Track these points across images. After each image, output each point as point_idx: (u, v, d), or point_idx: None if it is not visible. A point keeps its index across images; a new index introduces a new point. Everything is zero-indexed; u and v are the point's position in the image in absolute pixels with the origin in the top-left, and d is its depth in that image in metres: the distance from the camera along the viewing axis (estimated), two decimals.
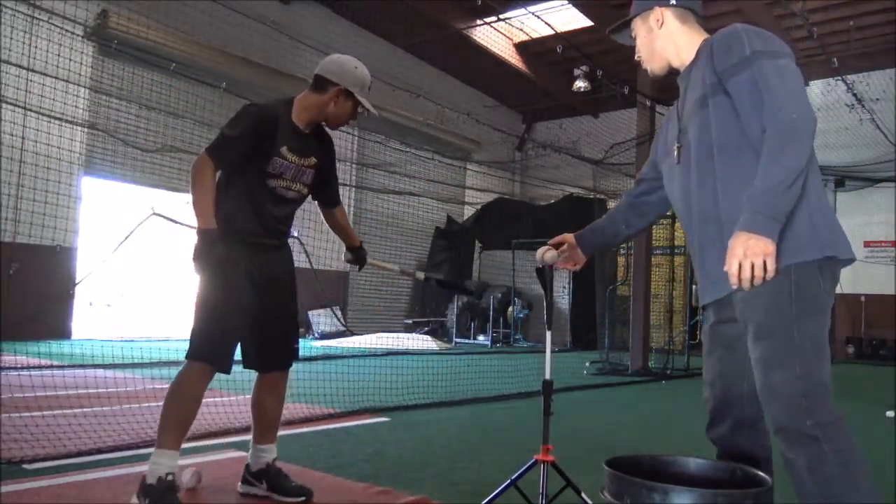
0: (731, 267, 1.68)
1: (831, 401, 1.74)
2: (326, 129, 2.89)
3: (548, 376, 2.56)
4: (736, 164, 1.84)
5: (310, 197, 2.89)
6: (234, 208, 2.66)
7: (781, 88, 1.74)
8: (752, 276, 1.67)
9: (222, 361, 2.56)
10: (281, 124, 2.66)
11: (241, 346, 2.71)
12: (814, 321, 1.76)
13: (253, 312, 2.64)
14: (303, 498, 2.73)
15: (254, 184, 2.67)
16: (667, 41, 2.09)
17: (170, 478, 2.44)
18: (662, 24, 2.08)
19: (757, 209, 1.68)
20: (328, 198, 2.98)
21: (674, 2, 2.06)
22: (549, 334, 2.65)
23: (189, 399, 2.54)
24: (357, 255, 3.07)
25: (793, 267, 1.76)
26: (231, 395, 4.72)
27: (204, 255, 2.49)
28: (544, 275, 2.57)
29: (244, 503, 2.73)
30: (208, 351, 2.54)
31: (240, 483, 2.85)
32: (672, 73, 2.15)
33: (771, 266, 1.66)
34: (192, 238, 2.53)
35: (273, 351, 2.77)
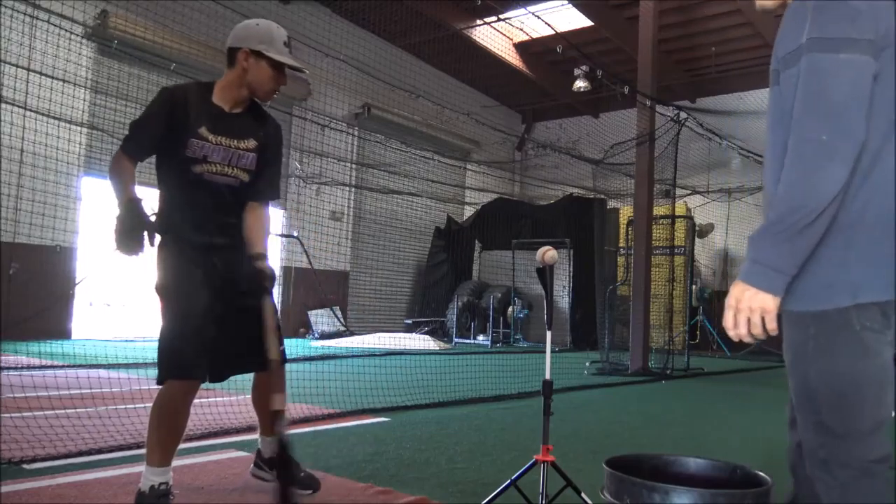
0: (726, 320, 1.49)
1: (861, 447, 1.48)
2: (271, 112, 2.75)
3: (548, 376, 2.56)
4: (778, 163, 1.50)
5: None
6: (168, 205, 2.57)
7: (813, 96, 1.38)
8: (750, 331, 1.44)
9: (190, 371, 2.44)
10: (194, 104, 2.50)
11: (210, 356, 2.53)
12: (839, 374, 1.47)
13: (215, 315, 2.50)
14: (310, 491, 2.75)
15: (179, 173, 2.53)
16: None
17: (162, 487, 2.43)
18: None
19: (757, 258, 1.44)
20: (254, 189, 2.65)
21: None
22: (549, 334, 2.65)
23: (170, 420, 2.47)
24: (251, 267, 2.55)
25: (808, 317, 1.48)
26: (231, 395, 4.72)
27: (129, 231, 2.32)
28: (545, 275, 2.57)
29: (244, 503, 2.73)
30: (174, 366, 2.45)
31: (252, 466, 2.88)
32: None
33: (770, 325, 1.44)
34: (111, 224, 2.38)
35: (239, 357, 2.61)
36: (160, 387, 2.51)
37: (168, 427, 2.47)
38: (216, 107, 2.55)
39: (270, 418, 2.70)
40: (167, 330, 2.48)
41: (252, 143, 2.60)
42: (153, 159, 2.64)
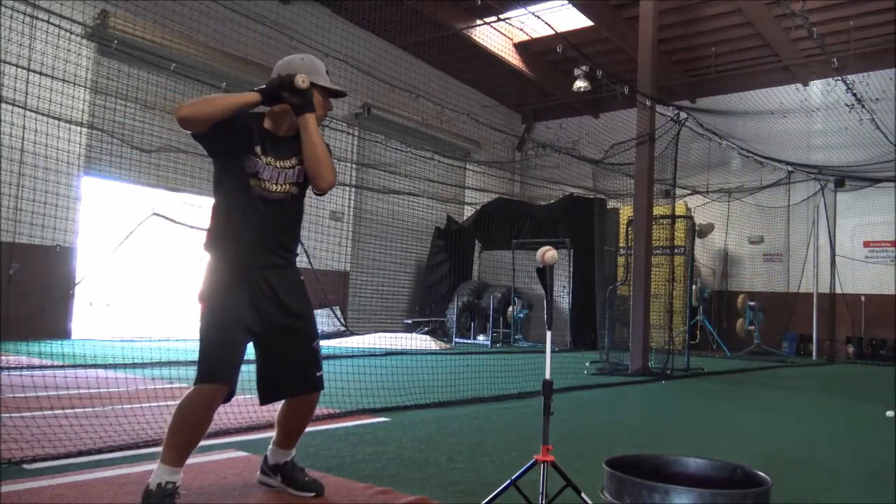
0: None
1: None
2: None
3: (548, 376, 2.56)
4: None
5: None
6: (222, 219, 2.66)
7: None
8: None
9: (220, 376, 2.50)
10: (252, 126, 2.64)
11: (258, 378, 2.71)
12: None
13: (260, 332, 2.62)
14: (313, 493, 2.77)
15: (235, 188, 2.63)
16: None
17: (169, 486, 2.44)
18: None
19: None
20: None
21: None
22: (549, 334, 2.65)
23: (193, 422, 2.51)
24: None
25: None
26: None
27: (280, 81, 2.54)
28: (545, 275, 2.57)
29: (245, 503, 2.73)
30: (207, 370, 2.51)
31: (258, 472, 2.91)
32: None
33: None
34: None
35: (289, 379, 2.71)
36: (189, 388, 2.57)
37: (190, 429, 2.51)
38: (268, 132, 2.70)
39: (293, 436, 2.81)
40: (206, 336, 2.56)
41: (294, 161, 2.70)
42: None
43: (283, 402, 2.80)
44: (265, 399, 2.74)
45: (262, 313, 2.62)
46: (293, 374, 2.71)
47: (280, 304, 2.65)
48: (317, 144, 2.62)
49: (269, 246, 2.67)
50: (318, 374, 2.74)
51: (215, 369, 2.51)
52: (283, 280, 2.69)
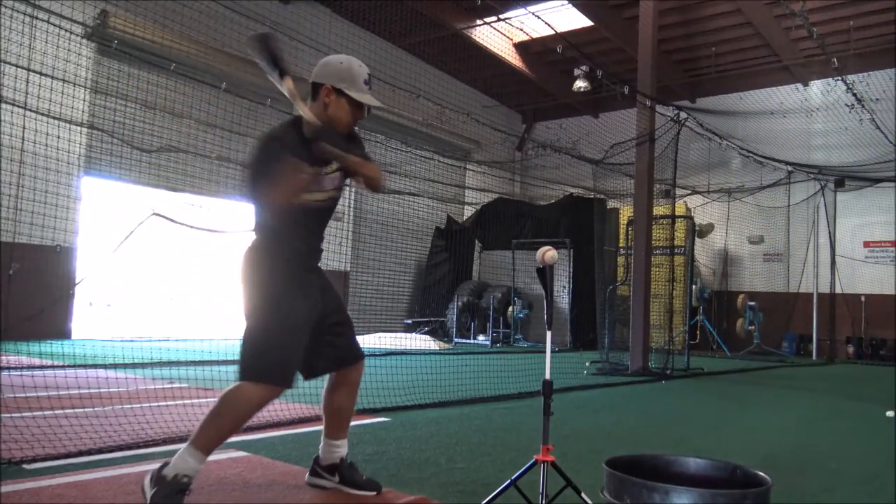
0: None
1: None
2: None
3: (548, 376, 2.56)
4: None
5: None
6: (277, 223, 2.68)
7: None
8: None
9: (288, 382, 2.55)
10: (293, 145, 2.62)
11: (306, 359, 2.70)
12: None
13: (313, 327, 2.68)
14: (374, 492, 2.80)
15: (290, 207, 2.66)
16: None
17: (185, 480, 2.42)
18: None
19: None
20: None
21: None
22: (549, 334, 2.65)
23: (241, 418, 2.53)
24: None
25: None
26: None
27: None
28: (545, 275, 2.57)
29: (245, 503, 2.73)
30: (274, 373, 2.52)
31: (307, 475, 2.92)
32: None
33: None
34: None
35: (343, 351, 2.81)
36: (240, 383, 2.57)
37: (234, 424, 2.53)
38: (307, 140, 2.68)
39: (345, 418, 2.85)
40: (275, 339, 2.54)
41: (334, 166, 2.71)
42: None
43: (327, 391, 2.83)
44: (308, 375, 2.77)
45: (317, 311, 2.69)
46: (341, 350, 2.80)
47: (325, 301, 2.74)
48: (367, 175, 2.69)
49: (318, 248, 2.79)
50: (359, 345, 2.88)
51: (286, 374, 2.54)
52: (323, 277, 2.80)
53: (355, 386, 2.87)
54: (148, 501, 2.40)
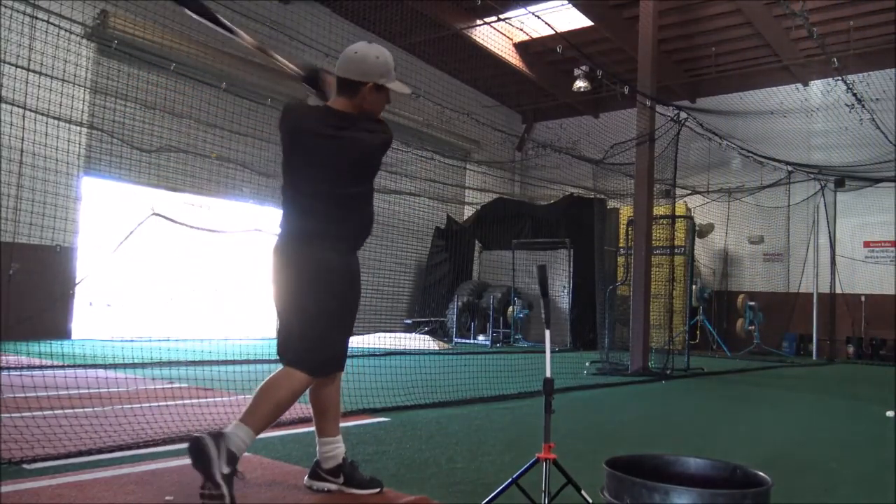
0: None
1: None
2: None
3: (548, 374, 2.56)
4: None
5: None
6: (361, 219, 2.83)
7: None
8: None
9: (343, 364, 2.78)
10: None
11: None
12: None
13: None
14: (378, 490, 2.82)
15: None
16: None
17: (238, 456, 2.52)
18: None
19: None
20: None
21: None
22: (548, 333, 2.65)
23: (289, 405, 2.67)
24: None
25: None
26: (231, 395, 4.73)
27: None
28: (544, 273, 2.57)
29: (245, 503, 2.73)
30: (339, 360, 2.75)
31: (306, 477, 2.91)
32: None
33: None
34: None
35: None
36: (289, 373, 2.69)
37: (284, 409, 2.67)
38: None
39: (335, 413, 2.88)
40: (337, 325, 2.72)
41: None
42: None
43: (313, 387, 2.85)
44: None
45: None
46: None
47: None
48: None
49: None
50: None
51: (341, 363, 2.76)
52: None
53: (339, 380, 2.91)
54: (222, 472, 2.45)
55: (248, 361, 7.20)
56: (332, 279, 2.68)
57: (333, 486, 2.84)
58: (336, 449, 2.83)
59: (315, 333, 2.65)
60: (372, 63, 2.69)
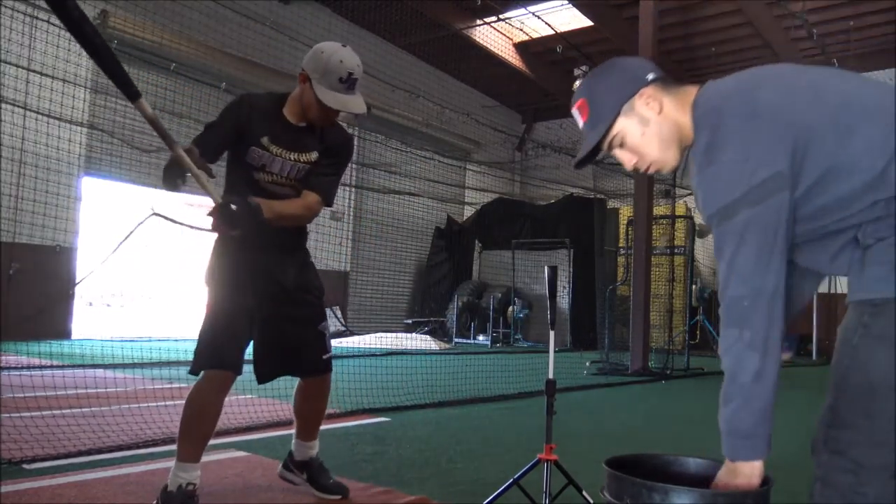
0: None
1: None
2: (347, 129, 2.77)
3: (551, 375, 2.56)
4: None
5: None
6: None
7: (725, 262, 1.48)
8: None
9: (224, 362, 2.46)
10: (260, 114, 2.52)
11: (254, 357, 2.64)
12: None
13: (260, 317, 2.56)
14: (339, 496, 2.77)
15: (240, 178, 2.56)
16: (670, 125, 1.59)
17: (190, 487, 2.40)
18: (661, 108, 1.58)
19: (729, 431, 1.50)
20: (308, 182, 2.61)
21: (651, 76, 1.60)
22: (552, 334, 2.65)
23: (199, 412, 2.46)
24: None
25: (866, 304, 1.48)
26: (231, 395, 4.70)
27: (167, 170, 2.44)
28: (554, 276, 2.57)
29: (244, 503, 2.73)
30: (208, 357, 2.47)
31: (280, 468, 2.89)
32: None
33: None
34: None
35: (285, 360, 2.68)
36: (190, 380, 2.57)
37: (196, 420, 2.46)
38: (284, 119, 2.57)
39: (311, 424, 2.80)
40: (206, 323, 2.53)
41: (314, 157, 2.60)
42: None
43: (297, 390, 2.78)
44: (262, 378, 2.69)
45: (264, 297, 2.57)
46: (293, 355, 2.67)
47: (282, 288, 2.61)
48: (289, 219, 2.55)
49: (271, 233, 2.54)
50: (324, 356, 2.74)
51: (220, 355, 2.47)
52: (284, 265, 2.65)
53: (312, 395, 2.78)
54: None
55: (247, 361, 7.18)
56: (209, 267, 2.66)
57: (297, 480, 2.81)
58: (309, 450, 2.81)
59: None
60: (316, 53, 2.46)
